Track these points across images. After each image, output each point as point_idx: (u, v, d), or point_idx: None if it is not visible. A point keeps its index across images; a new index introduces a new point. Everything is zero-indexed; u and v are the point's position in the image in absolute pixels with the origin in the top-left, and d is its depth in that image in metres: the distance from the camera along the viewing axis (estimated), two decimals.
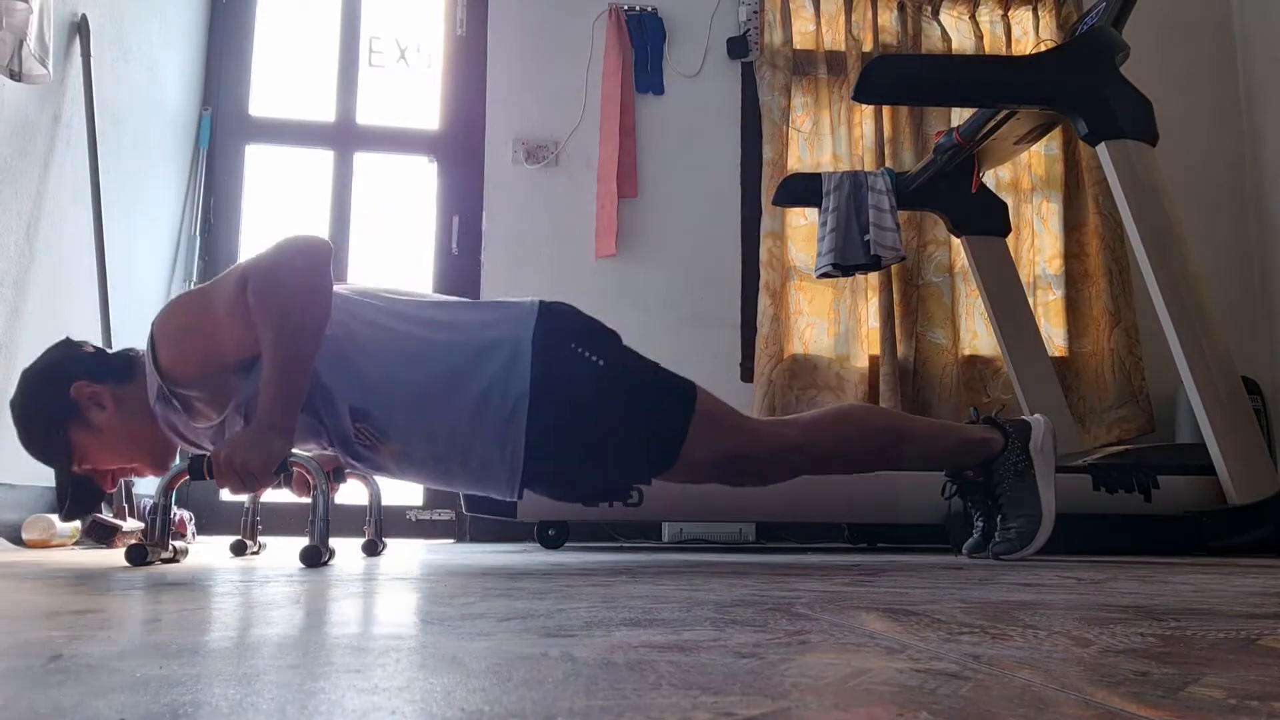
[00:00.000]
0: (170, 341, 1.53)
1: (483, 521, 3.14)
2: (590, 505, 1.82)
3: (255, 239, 3.38)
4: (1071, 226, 3.49)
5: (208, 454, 1.50)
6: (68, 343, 1.62)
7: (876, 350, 3.32)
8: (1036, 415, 1.95)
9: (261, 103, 3.50)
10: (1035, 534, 1.86)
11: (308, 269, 1.51)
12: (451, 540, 3.19)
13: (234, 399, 1.53)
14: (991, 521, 1.94)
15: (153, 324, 1.55)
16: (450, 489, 1.71)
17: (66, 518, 1.67)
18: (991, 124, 2.61)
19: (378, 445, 1.59)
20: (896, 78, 2.42)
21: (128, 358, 1.61)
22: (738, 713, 0.41)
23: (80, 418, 1.55)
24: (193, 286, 3.21)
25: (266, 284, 1.47)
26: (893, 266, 3.26)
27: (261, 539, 2.00)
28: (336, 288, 1.58)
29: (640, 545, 2.83)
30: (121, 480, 2.32)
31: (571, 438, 1.60)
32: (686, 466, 1.66)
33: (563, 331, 1.62)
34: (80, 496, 1.61)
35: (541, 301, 1.65)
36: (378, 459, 1.63)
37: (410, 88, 3.63)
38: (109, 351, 1.65)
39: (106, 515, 2.23)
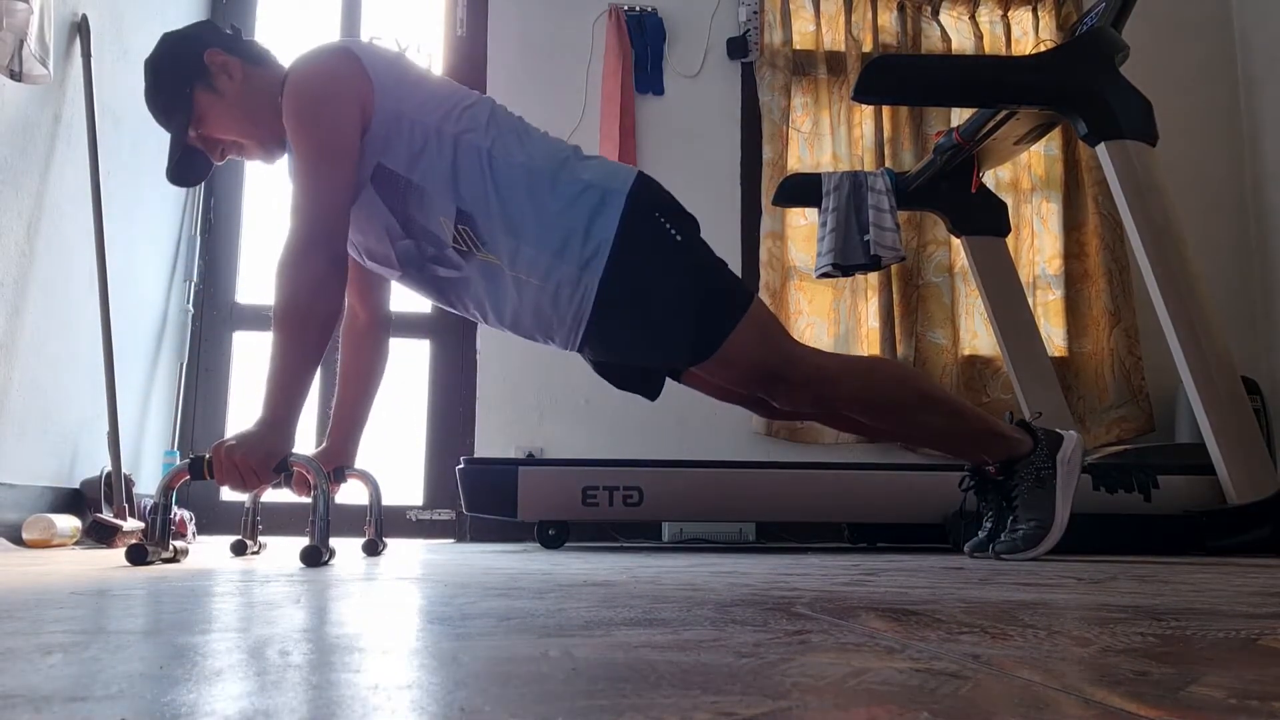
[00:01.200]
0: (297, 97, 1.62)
1: (483, 521, 3.14)
2: (622, 386, 1.83)
3: (255, 239, 3.38)
4: (1071, 226, 3.49)
5: (208, 454, 1.51)
6: (209, 21, 1.79)
7: (876, 350, 3.32)
8: (1071, 431, 1.95)
9: None
10: (1042, 539, 1.86)
11: (320, 265, 1.54)
12: (451, 540, 3.19)
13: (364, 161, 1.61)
14: (1001, 522, 1.93)
15: (291, 68, 1.64)
16: (515, 328, 1.73)
17: (172, 178, 1.73)
18: (991, 124, 2.61)
19: (473, 252, 1.65)
20: (896, 78, 2.43)
21: (264, 49, 1.74)
22: (738, 713, 0.41)
23: (208, 81, 1.66)
24: (193, 286, 3.21)
25: (281, 279, 1.53)
26: (893, 266, 3.26)
27: (262, 539, 2.00)
28: (467, 101, 1.67)
29: (640, 545, 2.83)
30: (123, 477, 2.33)
31: (636, 296, 1.66)
32: (722, 363, 1.70)
33: (652, 200, 1.70)
34: (188, 162, 1.72)
35: (640, 170, 1.73)
36: (464, 269, 1.67)
37: None
38: (245, 37, 1.75)
39: (107, 515, 2.24)
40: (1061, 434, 1.92)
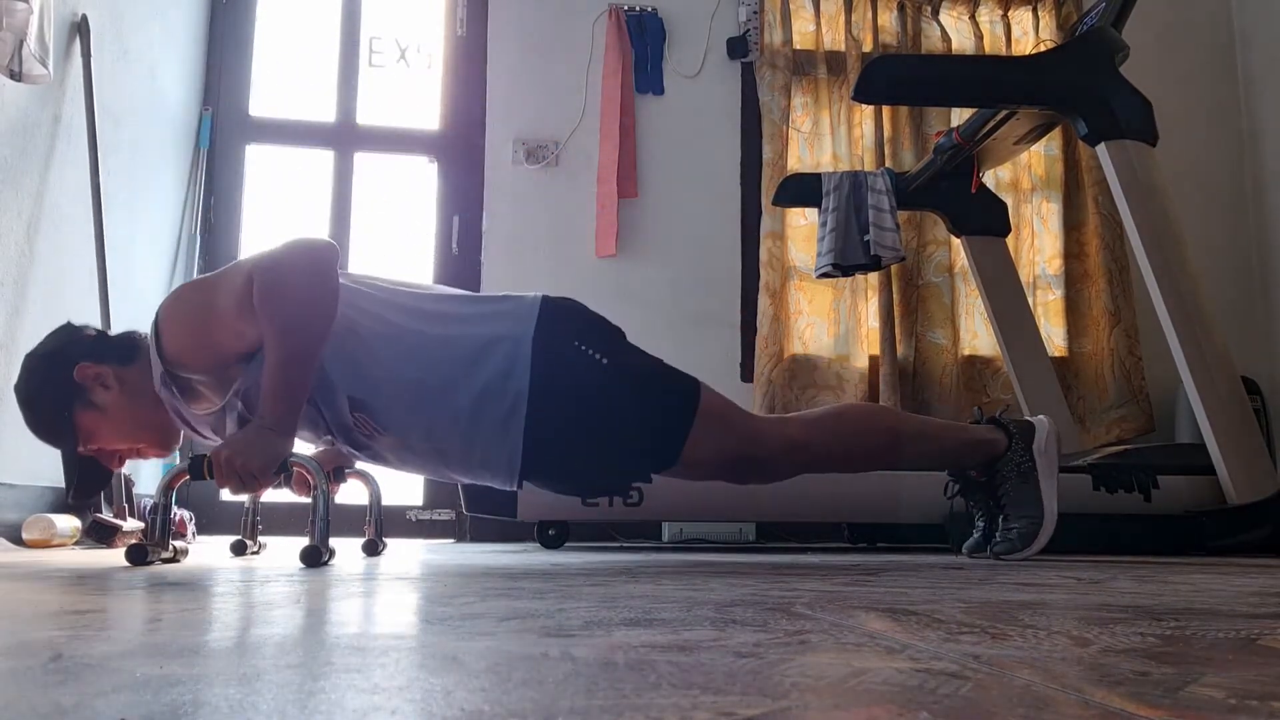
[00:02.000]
0: (174, 330, 1.55)
1: (483, 521, 3.14)
2: (590, 501, 1.82)
3: (255, 239, 3.38)
4: (1071, 226, 3.49)
5: (208, 454, 1.50)
6: (69, 327, 1.64)
7: (876, 350, 3.32)
8: (1040, 416, 1.95)
9: (262, 103, 3.50)
10: (1037, 535, 1.86)
11: (313, 271, 1.52)
12: (451, 540, 3.19)
13: (236, 385, 1.55)
14: (993, 522, 1.93)
15: (157, 311, 1.57)
16: (449, 480, 1.72)
17: (75, 499, 1.70)
18: (991, 124, 2.61)
19: (375, 435, 1.61)
20: (896, 78, 2.42)
21: (130, 340, 1.64)
22: (738, 713, 0.41)
23: (85, 399, 1.57)
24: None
25: (272, 284, 1.48)
26: (893, 266, 3.26)
27: (261, 539, 2.00)
28: (339, 278, 1.58)
29: (640, 545, 2.83)
30: (123, 476, 2.33)
31: (572, 434, 1.60)
32: (689, 464, 1.66)
33: (565, 329, 1.62)
34: (88, 478, 1.64)
35: (545, 297, 1.65)
36: (376, 449, 1.64)
37: (410, 88, 3.63)
38: (110, 334, 1.67)
39: (107, 515, 2.23)
40: (1032, 422, 1.92)
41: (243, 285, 1.49)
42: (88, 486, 1.66)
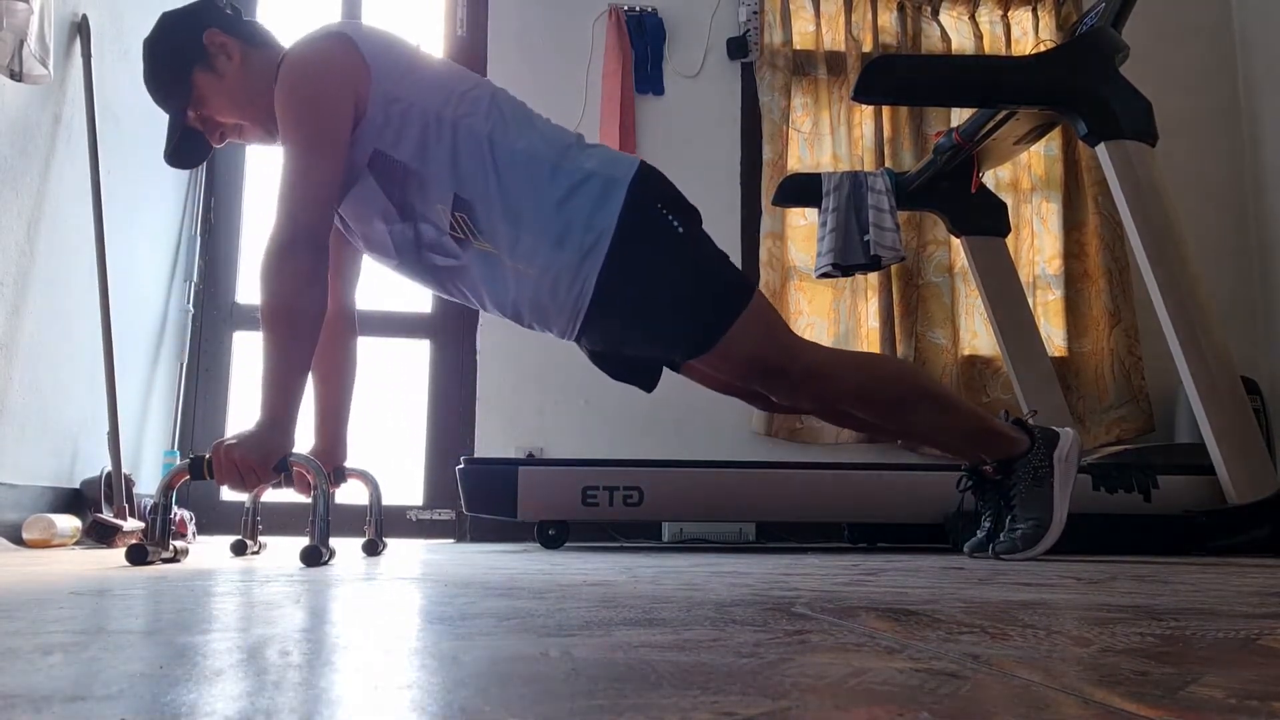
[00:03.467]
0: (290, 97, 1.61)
1: (483, 521, 3.14)
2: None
3: (255, 239, 3.38)
4: (1071, 226, 3.49)
5: (208, 454, 1.51)
6: (210, 0, 1.72)
7: (877, 350, 3.32)
8: (1068, 429, 1.94)
9: None
10: (1041, 538, 1.86)
11: (305, 261, 1.53)
12: (451, 540, 3.19)
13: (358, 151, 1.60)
14: (999, 522, 1.93)
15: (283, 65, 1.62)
16: (514, 315, 1.72)
17: (171, 162, 1.73)
18: (991, 124, 2.61)
19: (469, 239, 1.63)
20: (896, 78, 2.43)
21: (263, 30, 1.75)
22: (738, 713, 0.41)
23: (207, 62, 1.66)
24: (193, 286, 3.21)
25: (265, 278, 1.52)
26: (892, 266, 3.26)
27: (262, 539, 2.00)
28: (466, 84, 1.67)
29: (640, 545, 2.83)
30: (124, 476, 2.33)
31: (636, 288, 1.64)
32: (722, 356, 1.69)
33: (655, 190, 1.68)
34: (187, 146, 1.71)
35: (642, 161, 1.71)
36: (461, 257, 1.65)
37: None
38: (245, 17, 1.75)
39: (107, 515, 2.24)
40: (1058, 431, 1.92)
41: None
42: (186, 154, 1.73)
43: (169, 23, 1.69)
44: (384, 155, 1.60)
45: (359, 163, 1.60)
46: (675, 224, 1.67)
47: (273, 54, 1.70)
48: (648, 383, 1.84)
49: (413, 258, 1.69)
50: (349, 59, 1.59)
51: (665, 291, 1.66)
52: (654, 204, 1.66)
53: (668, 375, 1.88)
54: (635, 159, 1.70)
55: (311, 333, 1.53)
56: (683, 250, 1.67)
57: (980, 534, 1.98)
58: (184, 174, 3.25)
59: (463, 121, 1.61)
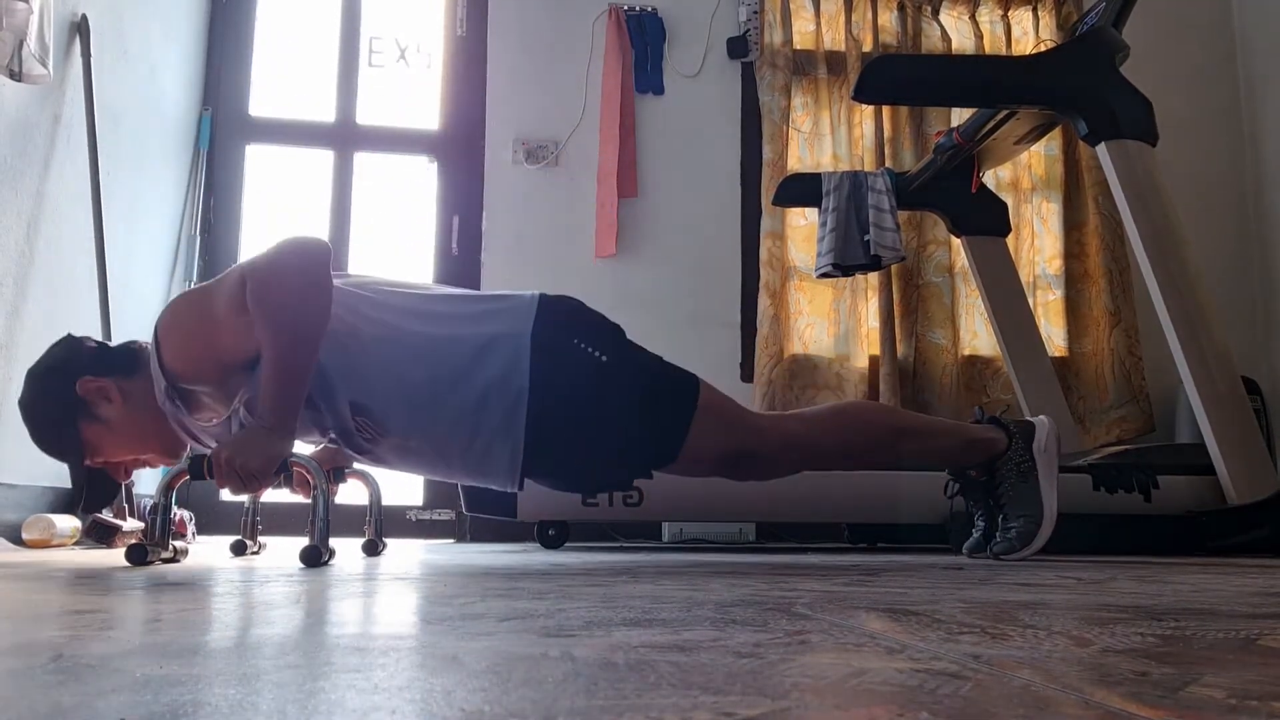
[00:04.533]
0: (174, 341, 1.54)
1: (483, 521, 3.14)
2: (590, 501, 1.82)
3: (255, 239, 3.39)
4: (1071, 226, 3.49)
5: (208, 454, 1.50)
6: (70, 339, 1.63)
7: (876, 350, 3.32)
8: (1041, 417, 1.95)
9: (261, 103, 3.50)
10: (1036, 534, 1.86)
11: (305, 270, 1.51)
12: (451, 540, 3.19)
13: (240, 394, 1.54)
14: (993, 521, 1.93)
15: (156, 324, 1.56)
16: (450, 480, 1.72)
17: (86, 510, 1.71)
18: (991, 124, 2.61)
19: (378, 439, 1.61)
20: (896, 78, 2.42)
21: (131, 351, 1.63)
22: (738, 713, 0.41)
23: (89, 413, 1.57)
24: (192, 287, 3.21)
25: (265, 286, 1.48)
26: (893, 266, 3.26)
27: (261, 539, 2.00)
28: (337, 280, 1.58)
29: (640, 545, 2.83)
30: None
31: (573, 431, 1.60)
32: (689, 461, 1.66)
33: (564, 326, 1.62)
34: (96, 490, 1.66)
35: (542, 295, 1.64)
36: (378, 451, 1.64)
37: (410, 88, 3.63)
38: (111, 345, 1.66)
39: (107, 515, 2.23)
40: (1033, 422, 1.92)
41: (237, 289, 1.49)
42: (97, 498, 1.68)
43: (38, 384, 1.58)
44: None
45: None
46: (596, 354, 1.60)
47: (146, 374, 1.57)
48: (627, 488, 1.82)
49: (345, 444, 1.66)
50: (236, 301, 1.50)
51: (606, 425, 1.61)
52: (568, 341, 1.60)
53: None
54: (534, 300, 1.62)
55: (316, 335, 1.52)
56: (612, 377, 1.60)
57: (976, 534, 1.98)
58: (184, 174, 3.26)
59: (342, 327, 1.53)
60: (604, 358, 1.61)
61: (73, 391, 1.55)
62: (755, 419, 1.74)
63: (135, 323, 2.87)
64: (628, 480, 1.76)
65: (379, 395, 1.56)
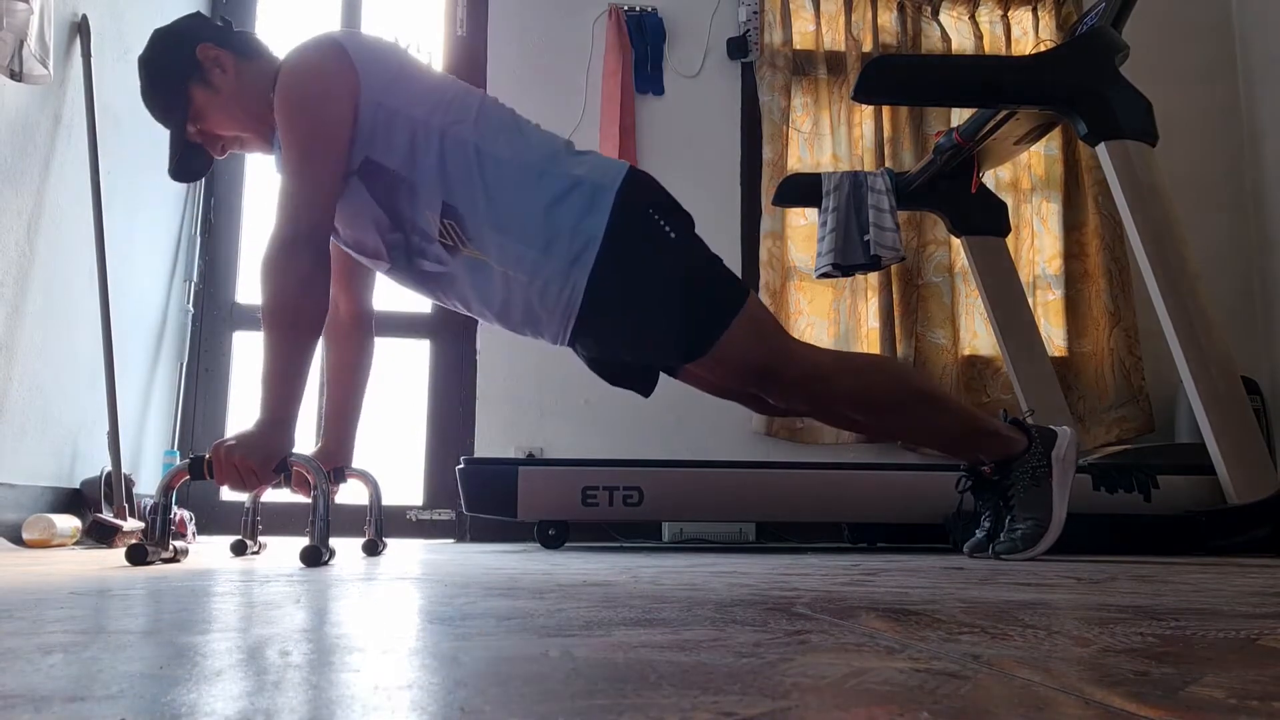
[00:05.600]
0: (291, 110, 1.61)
1: (483, 521, 3.14)
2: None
3: (255, 239, 3.38)
4: (1071, 226, 3.49)
5: (208, 454, 1.51)
6: (199, 14, 1.75)
7: (877, 350, 3.32)
8: (1065, 426, 1.94)
9: None
10: (1041, 537, 1.86)
11: (303, 267, 1.53)
12: (451, 540, 3.19)
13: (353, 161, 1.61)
14: (999, 522, 1.93)
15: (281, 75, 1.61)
16: (506, 324, 1.72)
17: (175, 177, 1.74)
18: (991, 124, 2.61)
19: (459, 246, 1.63)
20: (896, 78, 2.43)
21: (255, 39, 1.74)
22: (738, 713, 0.41)
23: (202, 76, 1.66)
24: (193, 287, 3.21)
25: (266, 278, 1.53)
26: (892, 266, 3.26)
27: (261, 539, 2.00)
28: (480, 95, 1.68)
29: (640, 545, 2.83)
30: (123, 476, 2.33)
31: (627, 293, 1.63)
32: (717, 360, 1.67)
33: (646, 195, 1.67)
34: (189, 158, 1.73)
35: (632, 166, 1.70)
36: (450, 264, 1.65)
37: None
38: (236, 29, 1.75)
39: (107, 515, 2.24)
40: (1056, 430, 1.92)
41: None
42: (188, 168, 1.74)
43: (161, 40, 1.70)
44: (374, 163, 1.60)
45: (350, 170, 1.61)
46: (667, 228, 1.66)
47: (266, 64, 1.69)
48: (645, 388, 1.83)
49: (404, 264, 1.69)
50: (341, 68, 1.59)
51: (658, 296, 1.65)
52: (644, 208, 1.65)
53: (667, 377, 1.88)
54: (625, 164, 1.70)
55: (312, 333, 1.54)
56: (675, 254, 1.66)
57: (980, 534, 1.98)
58: None
59: (450, 129, 1.61)
60: (673, 234, 1.66)
61: (193, 53, 1.66)
62: (790, 343, 1.77)
63: (135, 323, 2.87)
64: (662, 358, 1.76)
65: (472, 203, 1.60)
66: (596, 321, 1.66)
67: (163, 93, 1.68)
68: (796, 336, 3.33)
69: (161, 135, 1.73)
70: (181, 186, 3.24)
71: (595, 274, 1.60)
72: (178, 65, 1.66)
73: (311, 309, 1.54)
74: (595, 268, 1.60)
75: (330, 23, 3.57)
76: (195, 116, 1.68)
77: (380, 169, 1.60)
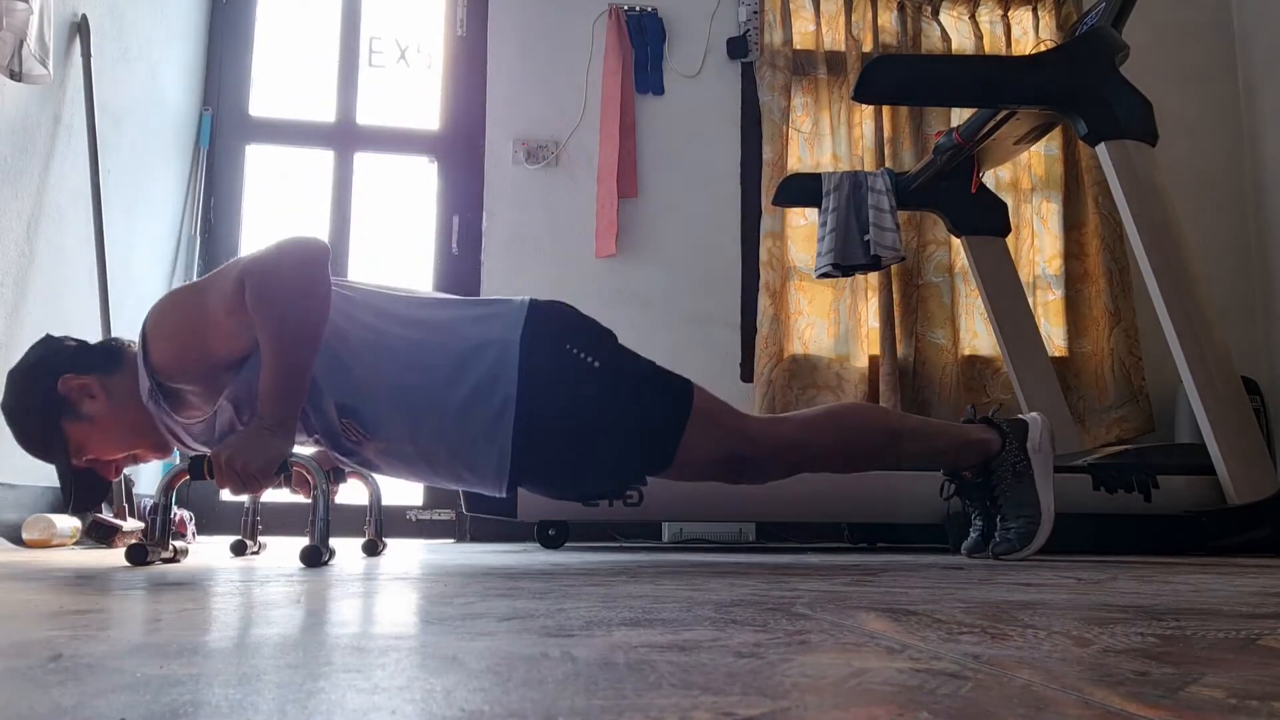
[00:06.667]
0: (163, 338, 1.53)
1: (483, 521, 3.14)
2: (588, 504, 1.82)
3: (255, 239, 3.38)
4: (1071, 226, 3.49)
5: (208, 454, 1.50)
6: (48, 339, 1.61)
7: (876, 350, 3.32)
8: (1034, 414, 1.94)
9: (262, 103, 3.50)
10: (1035, 534, 1.86)
11: (305, 270, 1.51)
12: (451, 540, 3.19)
13: (225, 392, 1.53)
14: (991, 522, 1.93)
15: (145, 320, 1.55)
16: (439, 485, 1.71)
17: (74, 512, 1.68)
18: (991, 124, 2.61)
19: (364, 441, 1.60)
20: (896, 78, 2.42)
21: (111, 348, 1.62)
22: (738, 713, 0.41)
23: (72, 411, 1.55)
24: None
25: (265, 285, 1.47)
26: (892, 266, 3.26)
27: (261, 539, 2.00)
28: (346, 287, 1.59)
29: (640, 545, 2.83)
30: (123, 477, 2.33)
31: (562, 438, 1.59)
32: (683, 466, 1.65)
33: (554, 331, 1.61)
34: (84, 489, 1.62)
35: (532, 301, 1.64)
36: (364, 454, 1.64)
37: (410, 88, 3.63)
38: (90, 344, 1.64)
39: (107, 515, 2.23)
40: (1025, 420, 1.92)
41: (233, 287, 1.48)
42: (86, 497, 1.65)
43: (19, 384, 1.57)
44: None
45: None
46: (587, 358, 1.59)
47: (130, 370, 1.56)
48: (621, 495, 1.81)
49: (331, 446, 1.66)
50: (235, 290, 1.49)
51: (597, 430, 1.60)
52: (558, 346, 1.59)
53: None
54: (523, 305, 1.62)
55: (314, 336, 1.52)
56: (604, 383, 1.59)
57: (974, 534, 1.98)
58: (184, 174, 3.25)
59: (330, 330, 1.53)
60: (596, 363, 1.60)
61: (55, 390, 1.53)
62: (750, 423, 1.73)
63: (135, 323, 2.86)
64: (619, 489, 1.75)
65: (364, 397, 1.56)
66: (537, 470, 1.63)
67: (37, 438, 1.56)
68: (796, 337, 3.34)
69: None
70: (181, 187, 3.24)
71: (520, 429, 1.54)
72: (43, 407, 1.54)
73: (313, 307, 1.53)
74: (518, 425, 1.54)
75: (330, 22, 3.57)
76: (77, 451, 1.57)
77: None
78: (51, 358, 1.57)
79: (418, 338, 1.58)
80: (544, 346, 1.58)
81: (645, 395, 1.63)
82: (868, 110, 3.45)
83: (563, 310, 1.66)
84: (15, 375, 1.58)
